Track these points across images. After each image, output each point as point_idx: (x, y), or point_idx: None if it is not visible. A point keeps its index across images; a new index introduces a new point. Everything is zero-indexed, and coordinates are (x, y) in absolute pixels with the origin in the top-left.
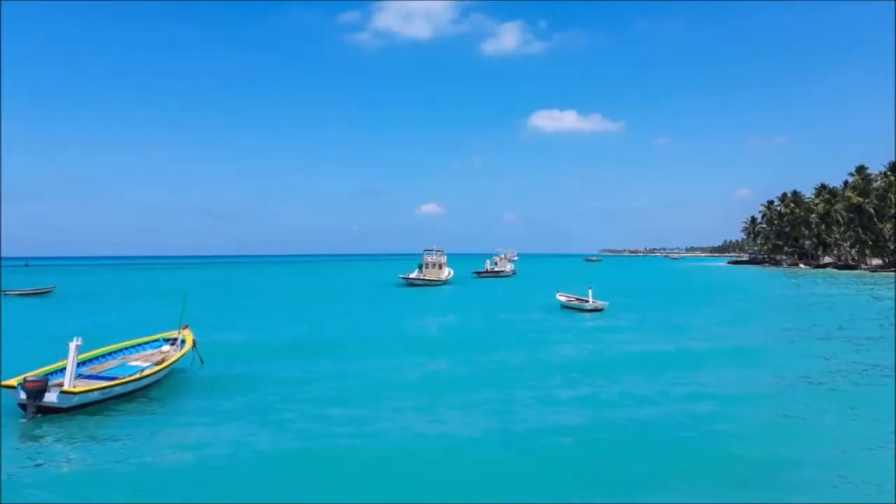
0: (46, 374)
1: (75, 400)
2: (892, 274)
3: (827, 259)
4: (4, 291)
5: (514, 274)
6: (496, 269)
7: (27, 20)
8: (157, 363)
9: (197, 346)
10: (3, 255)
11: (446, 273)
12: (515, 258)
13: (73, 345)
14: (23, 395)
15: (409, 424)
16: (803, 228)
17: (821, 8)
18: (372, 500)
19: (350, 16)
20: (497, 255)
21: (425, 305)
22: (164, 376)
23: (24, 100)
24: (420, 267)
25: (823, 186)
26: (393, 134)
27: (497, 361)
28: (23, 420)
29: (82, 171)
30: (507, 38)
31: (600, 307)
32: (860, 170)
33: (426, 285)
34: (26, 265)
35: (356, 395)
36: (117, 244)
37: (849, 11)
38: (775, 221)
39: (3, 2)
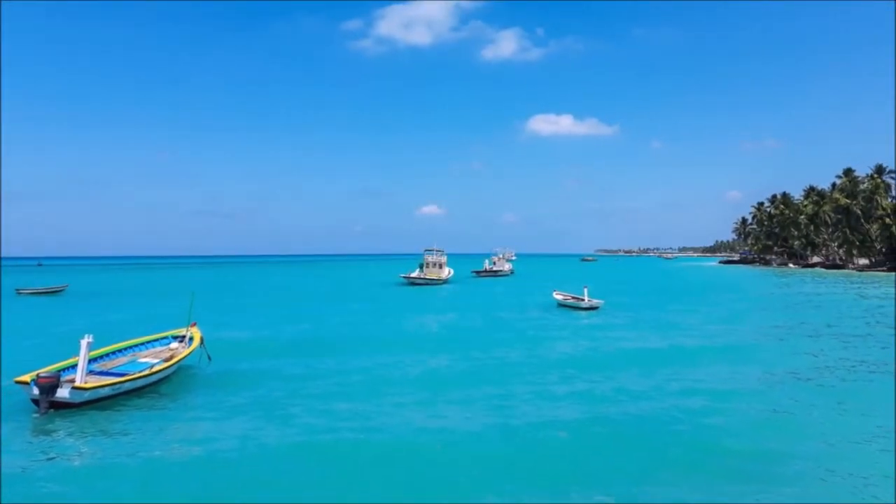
0: (59, 371)
1: (86, 395)
2: (879, 273)
3: (815, 259)
4: (18, 290)
5: (512, 273)
6: (495, 269)
7: (27, 20)
8: (166, 360)
9: (204, 343)
10: (17, 255)
11: (446, 272)
12: (513, 258)
13: (84, 342)
14: (36, 391)
15: (410, 419)
16: (792, 229)
17: (811, 12)
18: (375, 491)
19: (353, 24)
20: (496, 254)
21: (426, 304)
22: (173, 373)
23: (24, 100)
24: (421, 266)
25: (812, 188)
26: (394, 136)
27: (496, 358)
28: (36, 415)
29: (84, 172)
30: (506, 44)
31: (596, 305)
32: (847, 172)
33: (427, 284)
34: (39, 265)
35: (359, 390)
36: (120, 244)
37: (839, 14)
38: (765, 222)
39: (3, 2)
